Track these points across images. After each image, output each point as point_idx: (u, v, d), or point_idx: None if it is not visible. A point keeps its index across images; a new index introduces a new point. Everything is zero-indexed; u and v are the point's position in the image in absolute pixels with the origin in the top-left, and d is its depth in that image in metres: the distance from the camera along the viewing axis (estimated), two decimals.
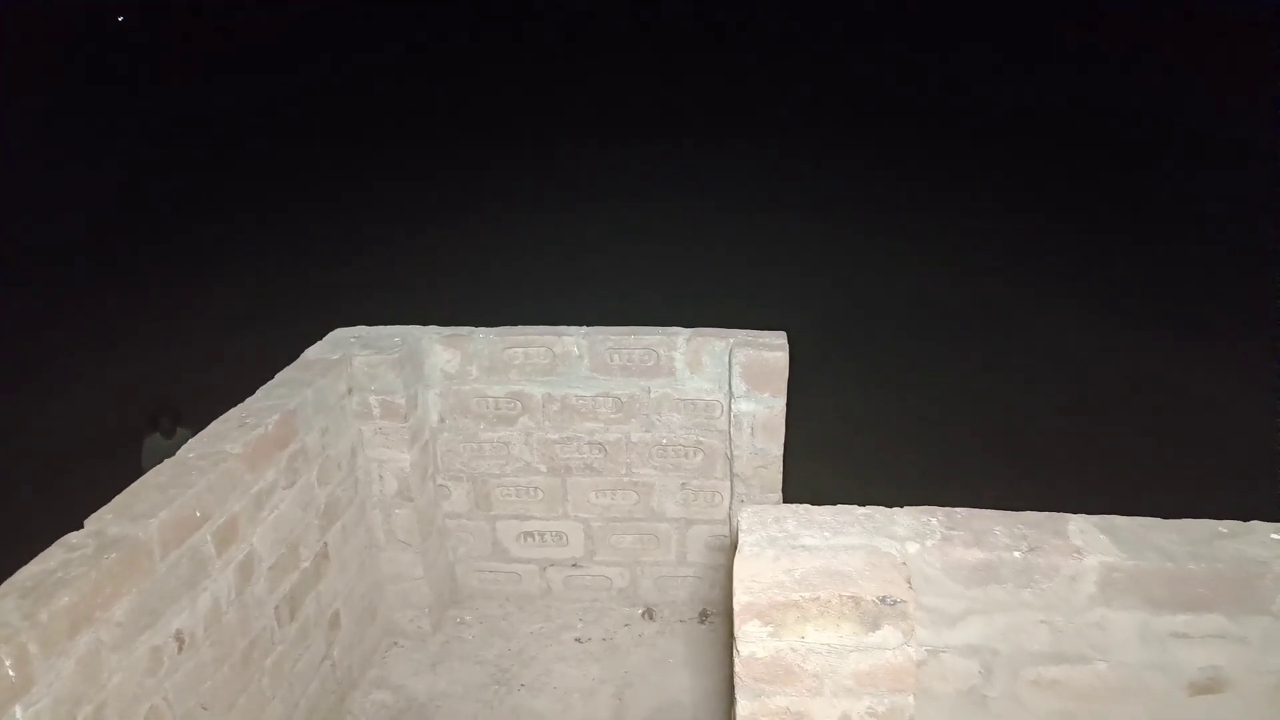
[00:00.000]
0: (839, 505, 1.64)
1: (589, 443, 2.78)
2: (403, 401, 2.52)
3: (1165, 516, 1.56)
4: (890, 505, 1.63)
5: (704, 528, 2.85)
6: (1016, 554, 1.45)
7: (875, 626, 1.36)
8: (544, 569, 2.98)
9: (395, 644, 2.79)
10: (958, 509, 1.58)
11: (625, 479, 2.82)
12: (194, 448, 1.93)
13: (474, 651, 2.78)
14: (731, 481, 2.71)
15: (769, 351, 2.49)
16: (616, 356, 2.67)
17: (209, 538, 1.81)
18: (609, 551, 2.94)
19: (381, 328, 2.69)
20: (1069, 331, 8.99)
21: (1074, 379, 8.15)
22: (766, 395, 2.53)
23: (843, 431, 6.92)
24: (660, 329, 2.66)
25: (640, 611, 2.95)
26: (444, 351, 2.67)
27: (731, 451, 2.66)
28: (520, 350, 2.69)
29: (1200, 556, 1.42)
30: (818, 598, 1.36)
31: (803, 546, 1.49)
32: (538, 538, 2.93)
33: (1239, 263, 9.88)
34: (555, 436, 2.79)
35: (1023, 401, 7.63)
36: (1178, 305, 9.23)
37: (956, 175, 13.38)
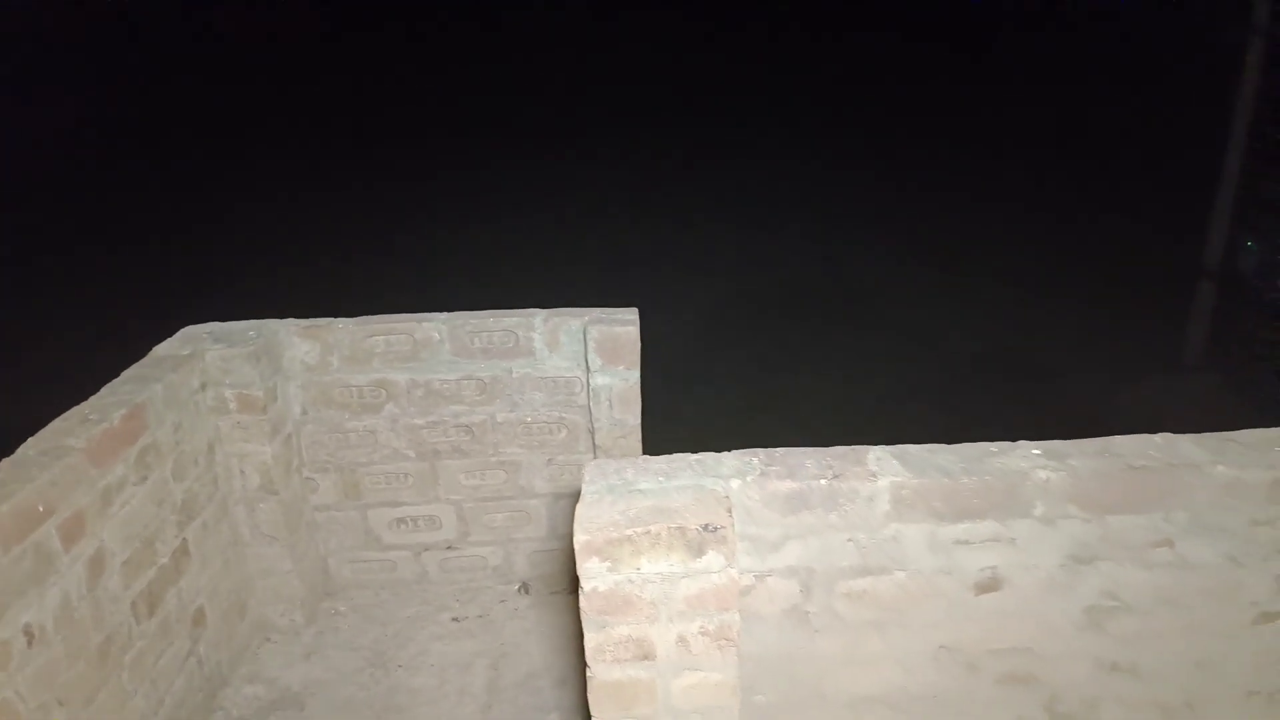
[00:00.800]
0: (675, 454, 1.80)
1: (455, 425, 2.86)
2: (260, 394, 2.53)
3: None
4: None
5: (572, 501, 2.97)
6: (823, 482, 1.64)
7: (700, 553, 1.52)
8: (418, 554, 3.03)
9: (267, 639, 2.78)
10: (777, 449, 1.77)
11: (493, 459, 2.92)
12: (34, 445, 1.89)
13: (349, 639, 2.80)
14: (595, 454, 2.84)
15: (621, 327, 2.64)
16: (477, 340, 2.75)
17: (54, 532, 1.79)
18: (482, 531, 3.03)
19: (235, 323, 2.67)
20: (923, 307, 9.66)
21: (931, 350, 8.81)
22: (621, 368, 2.68)
23: (724, 414, 7.24)
24: (518, 311, 2.76)
25: (516, 587, 3.05)
26: (302, 343, 2.69)
27: (593, 425, 2.79)
28: (381, 338, 2.73)
29: (972, 471, 1.65)
30: (649, 531, 1.51)
31: (638, 490, 1.63)
32: (410, 523, 2.98)
33: (1078, 238, 10.88)
34: (421, 421, 2.85)
35: (887, 373, 8.20)
36: (1019, 278, 10.10)
37: (813, 167, 14.04)
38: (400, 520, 2.97)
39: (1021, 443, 1.75)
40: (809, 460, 1.70)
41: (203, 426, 2.47)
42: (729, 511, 1.56)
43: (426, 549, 3.02)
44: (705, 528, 1.51)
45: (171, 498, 2.30)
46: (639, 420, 2.78)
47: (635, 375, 2.69)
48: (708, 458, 1.74)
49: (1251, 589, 1.70)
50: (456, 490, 2.95)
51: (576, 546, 1.51)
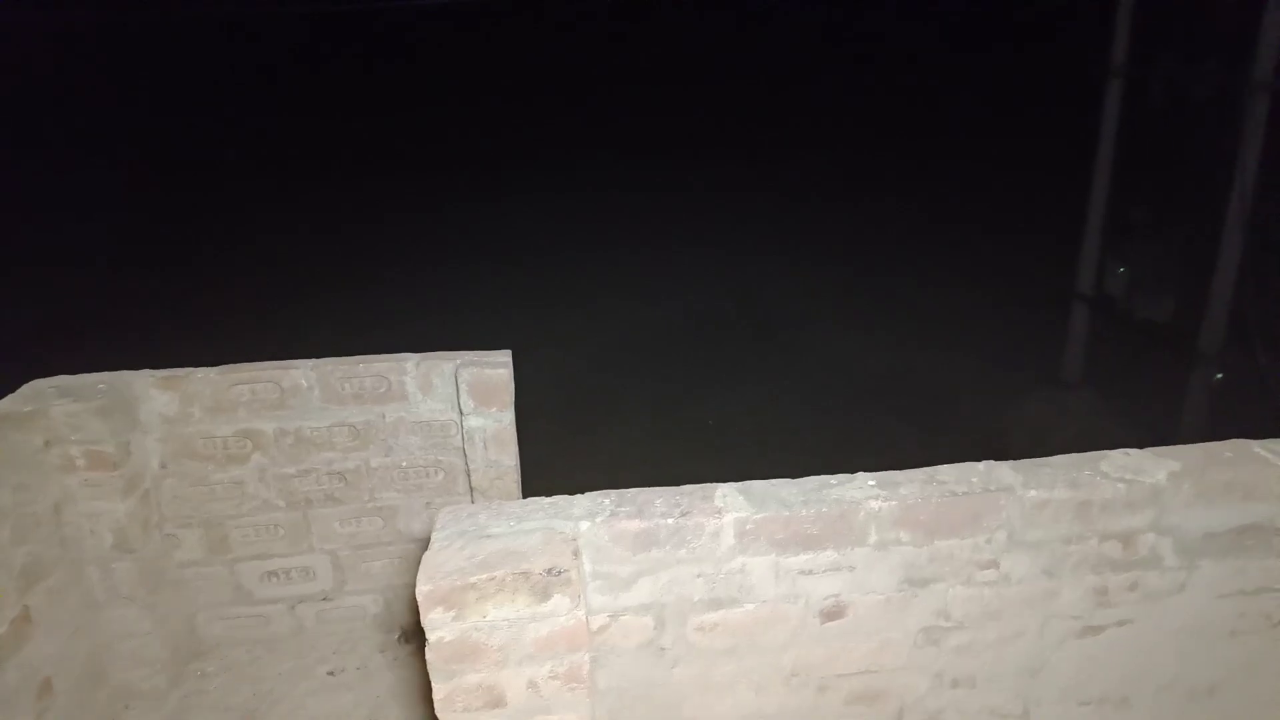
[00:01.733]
0: (531, 498, 1.83)
1: (328, 473, 2.80)
2: (112, 450, 2.43)
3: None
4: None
5: None
6: (670, 520, 1.70)
7: (546, 596, 1.54)
8: (293, 606, 2.94)
9: (127, 706, 2.64)
10: (630, 489, 1.81)
11: (369, 505, 2.87)
12: None
13: (218, 701, 2.69)
14: (472, 496, 2.84)
15: (492, 369, 2.66)
16: (348, 385, 2.72)
17: None
18: (360, 580, 2.96)
19: (85, 375, 2.56)
20: (830, 337, 10.06)
21: (837, 378, 9.16)
22: (494, 410, 2.69)
23: (633, 447, 7.31)
24: (389, 356, 2.74)
25: (396, 635, 2.99)
26: (160, 395, 2.60)
27: (468, 467, 2.79)
28: (246, 387, 2.67)
29: (811, 503, 1.73)
30: (494, 577, 1.53)
31: (488, 535, 1.65)
32: (283, 576, 2.90)
33: (967, 266, 11.48)
34: (292, 470, 2.78)
35: (795, 402, 8.47)
36: (916, 303, 10.63)
37: (721, 197, 14.41)
38: (272, 573, 2.88)
39: (860, 474, 1.85)
40: (659, 499, 1.76)
41: (47, 486, 2.35)
42: (575, 554, 1.59)
43: (301, 601, 2.94)
44: (550, 571, 1.54)
45: (10, 563, 2.18)
46: (515, 461, 2.79)
47: (508, 416, 2.71)
48: (561, 500, 1.78)
49: (1068, 601, 1.84)
50: (331, 539, 2.88)
51: (419, 597, 1.51)
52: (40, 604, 2.30)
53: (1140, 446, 1.86)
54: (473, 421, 2.70)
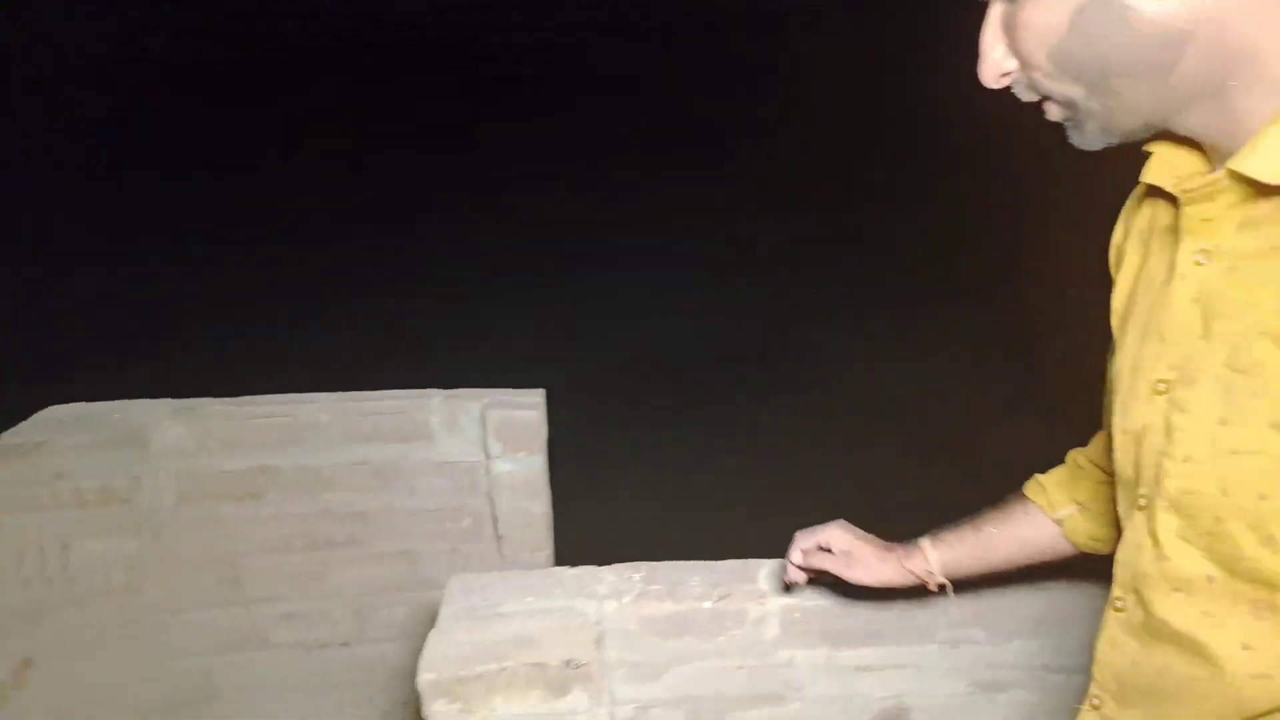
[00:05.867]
0: (554, 568, 1.65)
1: (347, 514, 2.65)
2: (123, 484, 2.31)
3: None
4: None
5: None
6: (707, 604, 1.50)
7: (564, 691, 1.35)
8: (310, 651, 2.79)
9: None
10: (662, 562, 1.61)
11: (391, 549, 2.71)
12: None
13: None
14: (499, 544, 2.66)
15: (522, 411, 2.49)
16: (368, 423, 2.57)
17: None
18: (381, 628, 2.80)
19: (99, 404, 2.46)
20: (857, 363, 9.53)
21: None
22: (523, 454, 2.52)
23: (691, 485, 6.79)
24: (413, 391, 2.60)
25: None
26: (174, 427, 2.48)
27: (495, 513, 2.62)
28: (261, 421, 2.54)
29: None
30: (504, 667, 1.34)
31: (500, 614, 1.46)
32: (300, 620, 2.75)
33: None
34: (310, 509, 2.64)
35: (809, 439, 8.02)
36: None
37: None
38: (289, 616, 2.73)
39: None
40: (695, 577, 1.56)
41: (56, 522, 2.23)
42: (596, 643, 1.39)
43: (320, 646, 2.78)
44: (568, 664, 1.34)
45: (13, 605, 2.07)
46: (546, 509, 2.61)
47: (538, 462, 2.53)
48: (585, 573, 1.58)
49: None
50: (350, 583, 2.73)
51: (420, 687, 1.33)
52: (42, 647, 2.18)
53: None
54: (500, 466, 2.53)
